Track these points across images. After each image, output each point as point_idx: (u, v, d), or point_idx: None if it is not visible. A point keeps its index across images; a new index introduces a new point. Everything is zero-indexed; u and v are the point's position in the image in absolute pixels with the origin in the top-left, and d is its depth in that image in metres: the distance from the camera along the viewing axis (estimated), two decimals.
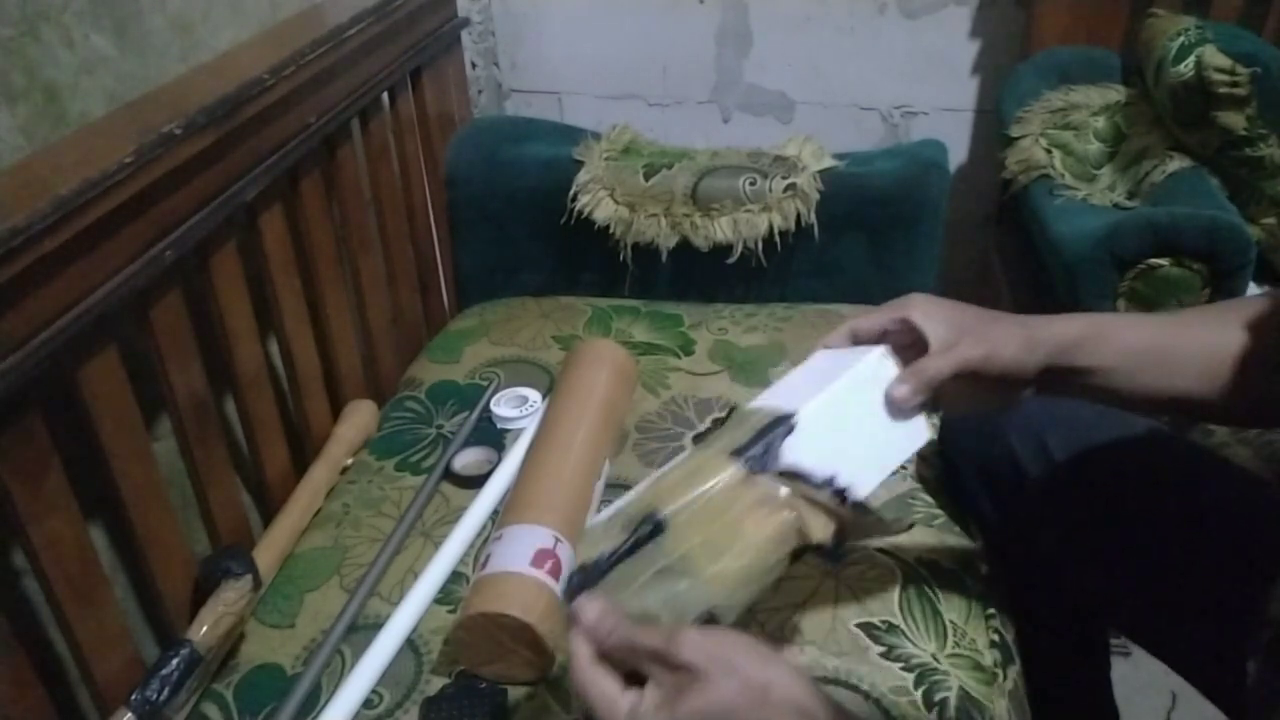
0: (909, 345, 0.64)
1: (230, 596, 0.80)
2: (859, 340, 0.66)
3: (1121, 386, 0.64)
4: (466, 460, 1.01)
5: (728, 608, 0.55)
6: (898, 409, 0.62)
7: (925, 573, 0.84)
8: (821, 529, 0.57)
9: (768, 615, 0.79)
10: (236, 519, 0.95)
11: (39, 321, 0.67)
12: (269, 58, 0.91)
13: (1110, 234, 1.10)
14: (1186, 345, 0.64)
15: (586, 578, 0.55)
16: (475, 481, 0.96)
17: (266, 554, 0.89)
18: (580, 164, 1.30)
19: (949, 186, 1.25)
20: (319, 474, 1.00)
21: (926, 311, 0.64)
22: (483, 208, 1.34)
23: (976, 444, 0.89)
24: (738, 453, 0.58)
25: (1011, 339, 0.62)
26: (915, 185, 1.23)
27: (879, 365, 0.63)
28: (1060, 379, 0.64)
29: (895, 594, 0.81)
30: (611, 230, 1.28)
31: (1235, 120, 1.15)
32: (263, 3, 1.08)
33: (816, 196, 1.23)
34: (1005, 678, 0.79)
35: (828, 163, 1.26)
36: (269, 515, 0.98)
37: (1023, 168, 1.34)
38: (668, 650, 0.48)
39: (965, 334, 0.62)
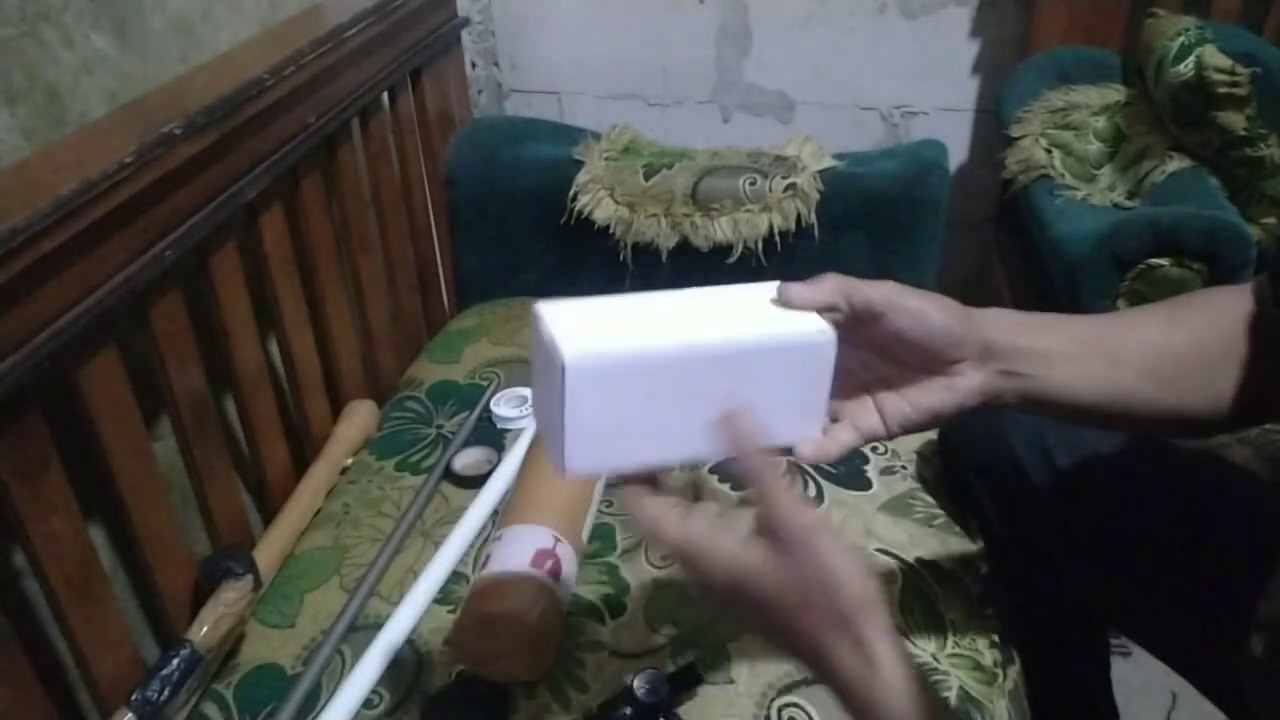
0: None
1: (230, 597, 0.80)
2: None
3: (1064, 388, 0.57)
4: (466, 460, 1.01)
5: None
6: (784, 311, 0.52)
7: (925, 573, 0.84)
8: None
9: None
10: (236, 519, 0.95)
11: (39, 321, 0.67)
12: (269, 58, 0.91)
13: (1110, 234, 1.10)
14: (1131, 340, 0.58)
15: None
16: (475, 481, 0.96)
17: (266, 554, 0.89)
18: (580, 164, 1.30)
19: (949, 186, 1.25)
20: (319, 474, 1.00)
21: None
22: (483, 208, 1.34)
23: (976, 444, 0.89)
24: None
25: (946, 304, 0.54)
26: (915, 185, 1.23)
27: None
28: (1002, 380, 0.56)
29: (895, 594, 0.81)
30: (611, 230, 1.28)
31: (1235, 120, 1.15)
32: (263, 3, 1.08)
33: (816, 196, 1.23)
34: (1005, 678, 0.79)
35: (828, 163, 1.26)
36: (269, 515, 0.98)
37: (1023, 168, 1.34)
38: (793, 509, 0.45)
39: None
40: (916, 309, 0.53)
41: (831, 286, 0.52)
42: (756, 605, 0.47)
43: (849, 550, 0.46)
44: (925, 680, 0.47)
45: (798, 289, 0.52)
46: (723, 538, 0.47)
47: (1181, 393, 0.58)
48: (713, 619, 0.80)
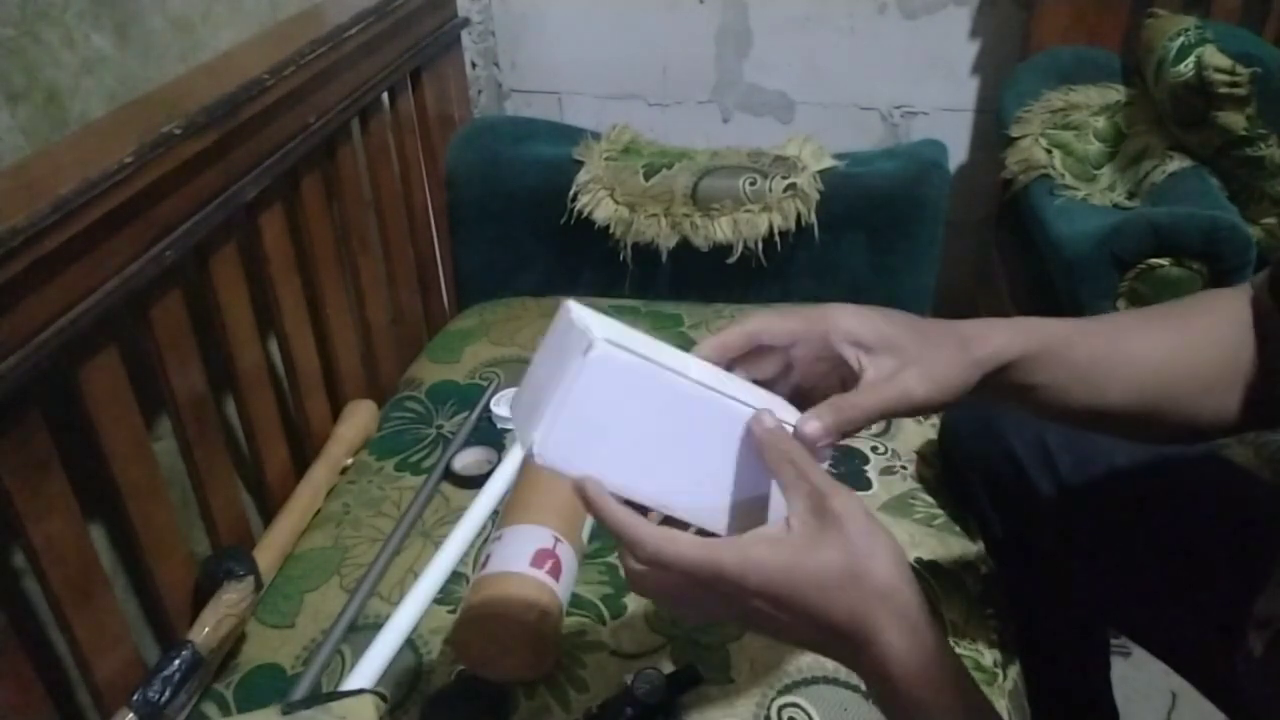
0: (818, 359, 0.53)
1: (232, 598, 0.80)
2: (760, 344, 0.54)
3: (1054, 402, 0.57)
4: (466, 460, 1.01)
5: None
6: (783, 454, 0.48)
7: (925, 573, 0.84)
8: None
9: None
10: (236, 519, 0.95)
11: (39, 321, 0.67)
12: (269, 58, 0.91)
13: (1110, 234, 1.10)
14: (1121, 357, 0.58)
15: None
16: (475, 481, 0.96)
17: (266, 554, 0.89)
18: (580, 164, 1.30)
19: (949, 186, 1.25)
20: (319, 474, 1.00)
21: (852, 331, 0.52)
22: (483, 208, 1.34)
23: (977, 444, 0.89)
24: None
25: (953, 367, 0.52)
26: (915, 185, 1.23)
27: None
28: (992, 390, 0.56)
29: None
30: (611, 230, 1.28)
31: (1235, 120, 1.15)
32: (263, 3, 1.08)
33: (816, 196, 1.23)
34: (1005, 678, 0.79)
35: (828, 163, 1.26)
36: (269, 515, 0.98)
37: (1023, 168, 1.34)
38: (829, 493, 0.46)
39: (902, 363, 0.52)
40: (923, 398, 0.51)
41: (831, 424, 0.49)
42: (798, 597, 0.45)
43: (885, 528, 0.47)
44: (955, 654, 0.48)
45: (813, 433, 0.49)
46: (753, 543, 0.46)
47: (1174, 408, 0.58)
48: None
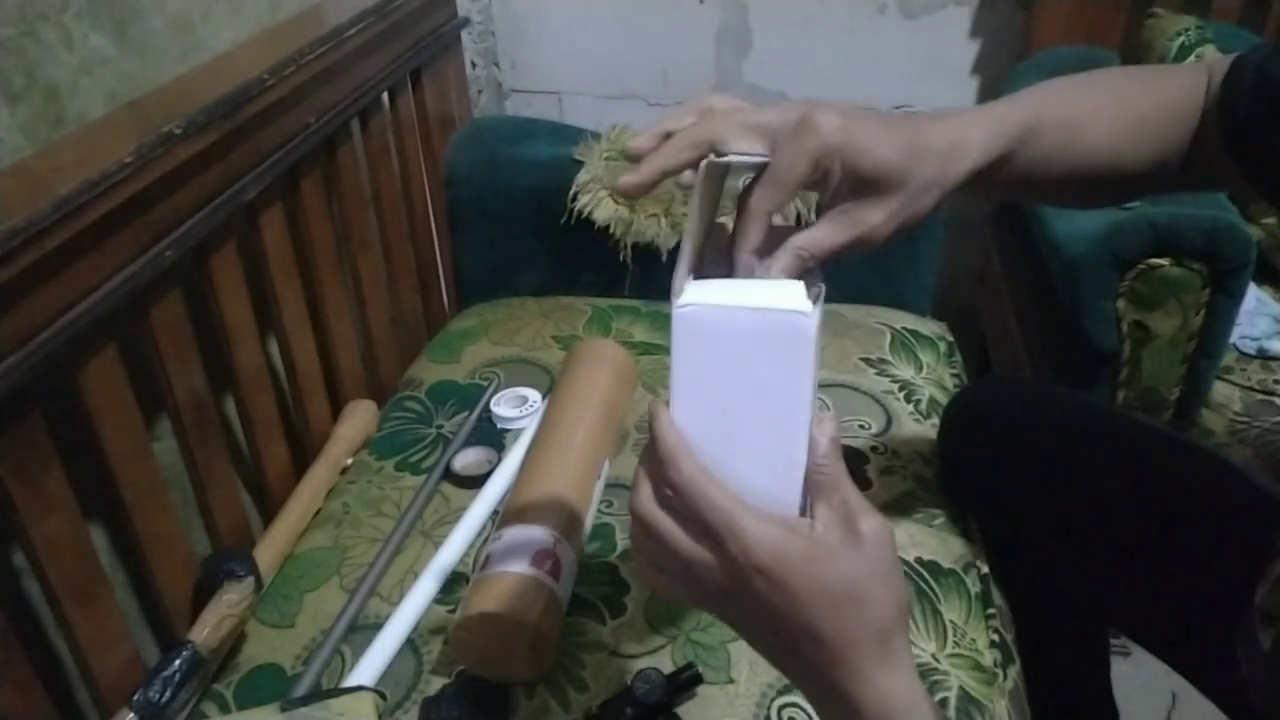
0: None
1: (233, 598, 0.80)
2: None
3: (1005, 185, 0.59)
4: (466, 460, 1.01)
5: None
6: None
7: (925, 573, 0.84)
8: None
9: None
10: (236, 519, 0.95)
11: (39, 321, 0.67)
12: (269, 58, 0.91)
13: (1110, 234, 1.10)
14: (1096, 112, 0.60)
15: None
16: (475, 481, 0.97)
17: (266, 554, 0.89)
18: (580, 164, 1.30)
19: None
20: (319, 474, 1.00)
21: (853, 162, 0.52)
22: (483, 208, 1.34)
23: (976, 444, 0.89)
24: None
25: (928, 197, 0.53)
26: None
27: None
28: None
29: None
30: (611, 230, 1.28)
31: None
32: (263, 3, 1.08)
33: (816, 196, 1.23)
34: (1005, 678, 0.79)
35: None
36: (269, 515, 0.98)
37: None
38: (856, 510, 0.46)
39: (879, 197, 0.53)
40: (913, 214, 0.53)
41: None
42: (799, 592, 0.44)
43: (903, 572, 0.47)
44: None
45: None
46: (776, 523, 0.45)
47: (1124, 180, 0.61)
48: (707, 612, 0.80)
